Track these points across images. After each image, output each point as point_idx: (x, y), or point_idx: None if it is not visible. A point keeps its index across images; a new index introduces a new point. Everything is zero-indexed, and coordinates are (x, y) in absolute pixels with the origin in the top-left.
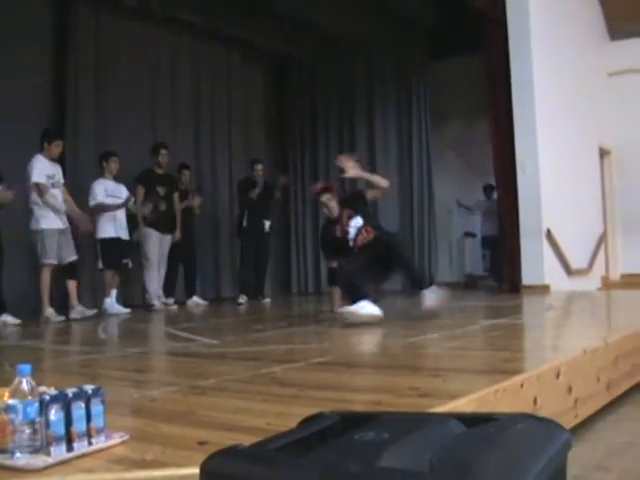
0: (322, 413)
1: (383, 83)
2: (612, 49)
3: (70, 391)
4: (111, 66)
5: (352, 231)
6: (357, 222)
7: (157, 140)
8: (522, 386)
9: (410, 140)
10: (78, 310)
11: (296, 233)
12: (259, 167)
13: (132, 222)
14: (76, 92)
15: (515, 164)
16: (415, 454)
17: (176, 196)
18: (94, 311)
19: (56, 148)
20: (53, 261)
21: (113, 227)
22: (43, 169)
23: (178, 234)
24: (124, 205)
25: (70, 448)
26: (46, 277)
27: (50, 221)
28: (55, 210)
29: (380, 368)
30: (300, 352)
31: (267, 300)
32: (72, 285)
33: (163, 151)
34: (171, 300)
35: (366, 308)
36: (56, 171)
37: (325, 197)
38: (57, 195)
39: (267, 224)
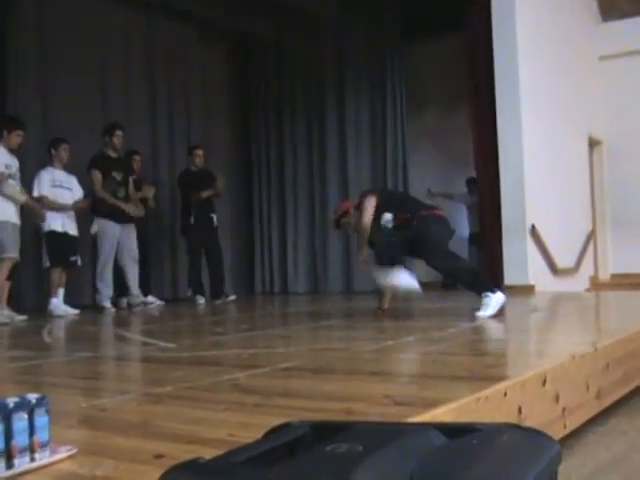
0: (290, 423)
1: (355, 66)
2: (604, 31)
3: (11, 401)
4: (57, 45)
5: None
6: (387, 218)
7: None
8: (506, 394)
9: (384, 128)
10: (5, 314)
11: (260, 229)
12: (199, 153)
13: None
14: (17, 74)
15: (497, 155)
16: (393, 468)
17: (132, 182)
18: (23, 317)
19: (16, 138)
20: (14, 255)
21: (60, 221)
22: (0, 158)
23: (140, 210)
24: (72, 208)
25: (10, 465)
26: (4, 273)
27: (8, 212)
28: (14, 201)
29: (352, 374)
30: (265, 357)
31: (232, 297)
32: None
33: (118, 132)
34: (152, 299)
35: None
36: (13, 163)
37: (344, 222)
38: (15, 186)
39: (215, 218)
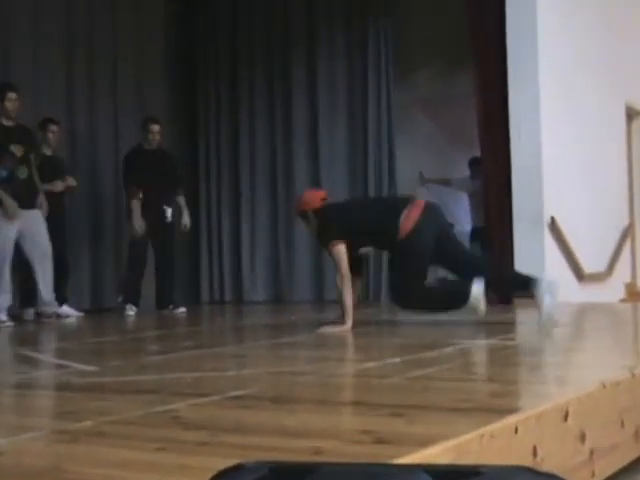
0: (242, 465)
1: (328, 19)
2: None
3: None
4: None
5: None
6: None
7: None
8: (517, 431)
9: (365, 97)
10: None
11: (208, 222)
12: (155, 128)
13: None
14: None
15: (507, 129)
16: None
17: (33, 158)
18: None
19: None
20: None
21: None
22: None
23: (45, 206)
24: None
25: None
26: None
27: None
28: None
29: (322, 404)
30: (213, 382)
31: (182, 310)
32: None
33: (11, 94)
34: (68, 310)
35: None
36: None
37: (304, 222)
38: None
39: (169, 211)
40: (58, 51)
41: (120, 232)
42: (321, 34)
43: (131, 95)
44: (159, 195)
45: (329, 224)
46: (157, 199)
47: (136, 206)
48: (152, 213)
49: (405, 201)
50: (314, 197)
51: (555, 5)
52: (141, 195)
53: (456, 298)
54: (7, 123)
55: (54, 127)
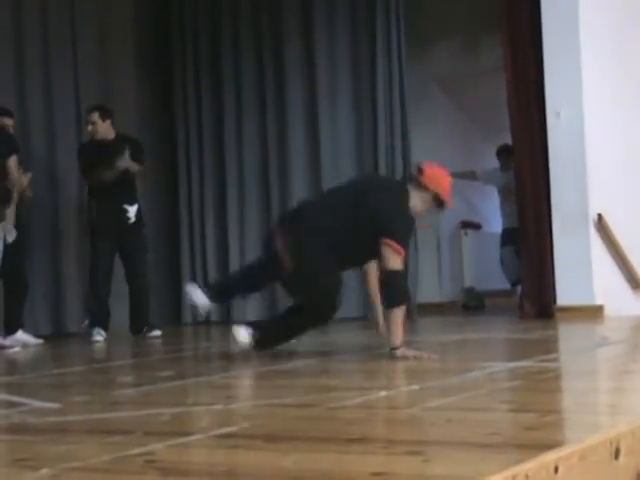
0: None
1: None
2: None
3: None
4: None
5: None
6: None
7: None
8: (557, 470)
9: (373, 77)
10: None
11: (189, 229)
12: (94, 117)
13: None
14: None
15: (544, 107)
16: None
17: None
18: None
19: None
20: None
21: None
22: None
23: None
24: None
25: None
26: None
27: None
28: None
29: (325, 442)
30: (196, 418)
31: (156, 333)
32: None
33: None
34: (24, 336)
35: None
36: None
37: None
38: None
39: (132, 210)
40: (8, 35)
41: (85, 241)
42: (319, 6)
43: (97, 83)
44: (121, 192)
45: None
46: (118, 197)
47: None
48: (111, 214)
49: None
50: None
51: None
52: (96, 196)
53: None
54: None
55: (9, 120)
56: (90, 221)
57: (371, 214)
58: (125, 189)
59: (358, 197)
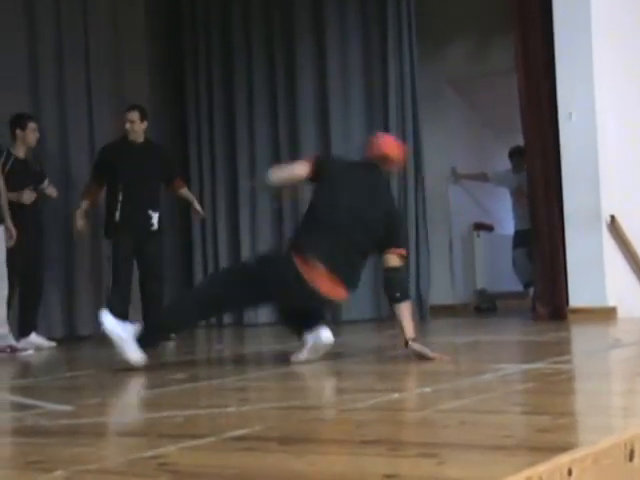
0: None
1: None
2: None
3: None
4: None
5: None
6: None
7: None
8: (570, 473)
9: (384, 76)
10: None
11: (202, 233)
12: (134, 116)
13: None
14: None
15: (556, 108)
16: None
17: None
18: None
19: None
20: None
21: None
22: None
23: (13, 230)
24: None
25: None
26: None
27: None
28: None
29: (338, 444)
30: (209, 421)
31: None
32: None
33: None
34: (38, 339)
35: None
36: None
37: None
38: None
39: (155, 217)
40: (20, 34)
41: (99, 245)
42: (330, 3)
43: (108, 88)
44: (145, 197)
45: None
46: (141, 202)
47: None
48: (136, 219)
49: None
50: None
51: None
52: (121, 197)
53: None
54: None
55: (32, 124)
56: (109, 221)
57: (386, 233)
58: (152, 194)
59: (367, 221)
